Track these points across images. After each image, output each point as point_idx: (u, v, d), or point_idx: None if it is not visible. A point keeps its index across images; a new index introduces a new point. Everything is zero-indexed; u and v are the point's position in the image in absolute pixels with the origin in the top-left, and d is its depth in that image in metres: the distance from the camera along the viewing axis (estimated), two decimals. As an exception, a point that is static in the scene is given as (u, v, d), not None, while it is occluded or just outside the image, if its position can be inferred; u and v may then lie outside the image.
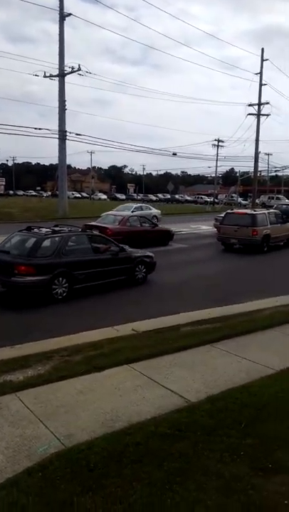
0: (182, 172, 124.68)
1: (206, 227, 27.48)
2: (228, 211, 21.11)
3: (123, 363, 5.69)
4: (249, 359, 6.00)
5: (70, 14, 25.62)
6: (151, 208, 29.95)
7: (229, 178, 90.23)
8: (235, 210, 22.46)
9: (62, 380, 5.12)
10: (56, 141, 25.96)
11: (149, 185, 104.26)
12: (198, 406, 4.50)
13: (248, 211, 20.79)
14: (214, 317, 8.18)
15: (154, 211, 28.94)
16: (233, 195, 67.32)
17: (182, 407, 4.50)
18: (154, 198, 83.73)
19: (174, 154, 50.05)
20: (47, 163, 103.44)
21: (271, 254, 18.07)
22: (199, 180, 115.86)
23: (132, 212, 24.62)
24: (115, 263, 10.76)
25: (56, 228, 10.57)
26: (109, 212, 21.96)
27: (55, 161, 31.57)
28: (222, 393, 4.82)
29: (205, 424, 4.11)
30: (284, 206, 28.86)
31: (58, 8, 25.19)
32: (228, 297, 10.03)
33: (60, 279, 9.42)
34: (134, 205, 28.44)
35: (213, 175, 73.44)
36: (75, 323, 7.81)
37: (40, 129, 27.34)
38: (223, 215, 20.59)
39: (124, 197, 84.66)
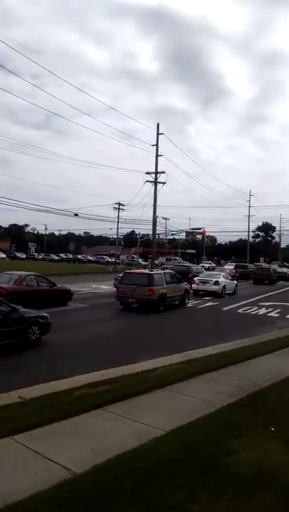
0: (85, 233, 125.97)
1: (106, 286, 27.63)
2: (126, 271, 21.62)
3: (5, 435, 5.21)
4: (140, 421, 5.90)
5: None
6: None
7: (130, 240, 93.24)
8: (133, 270, 23.09)
9: None
10: None
11: (52, 244, 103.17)
12: (83, 477, 4.23)
13: (145, 271, 21.51)
14: (108, 378, 8.02)
15: None
16: (134, 256, 69.51)
17: (66, 480, 4.19)
18: (56, 257, 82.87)
19: (76, 215, 51.00)
20: None
21: (167, 313, 18.63)
22: (102, 241, 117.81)
23: None
24: (6, 324, 10.17)
25: None
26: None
27: None
28: (110, 460, 4.61)
29: (89, 497, 3.86)
30: (179, 267, 30.46)
31: None
32: (123, 357, 9.96)
33: None
34: None
35: (115, 236, 75.51)
36: None
37: None
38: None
39: (24, 256, 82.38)
